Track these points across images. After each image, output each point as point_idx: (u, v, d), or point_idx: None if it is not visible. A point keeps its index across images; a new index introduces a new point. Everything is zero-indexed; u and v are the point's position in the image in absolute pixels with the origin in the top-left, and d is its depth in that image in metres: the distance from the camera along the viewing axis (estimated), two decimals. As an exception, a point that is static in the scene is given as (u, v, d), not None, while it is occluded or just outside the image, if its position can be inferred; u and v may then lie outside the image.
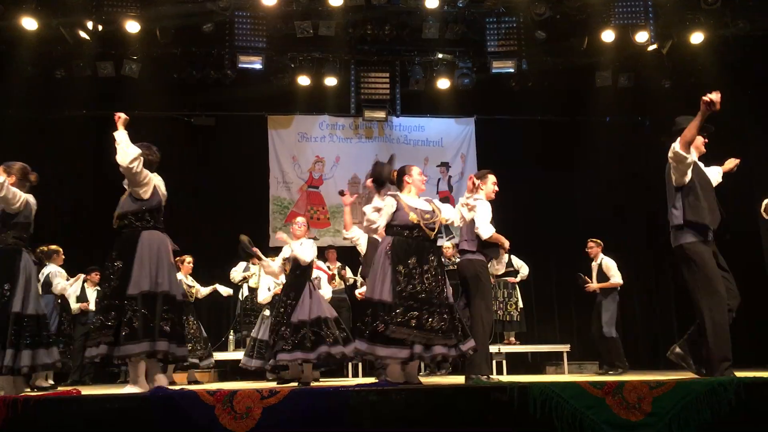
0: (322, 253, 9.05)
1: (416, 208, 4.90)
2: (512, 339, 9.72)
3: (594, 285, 8.44)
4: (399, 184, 5.11)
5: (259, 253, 6.73)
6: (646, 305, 11.15)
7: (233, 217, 10.42)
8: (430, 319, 4.58)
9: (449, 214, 5.09)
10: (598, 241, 8.72)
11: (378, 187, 5.03)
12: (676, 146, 4.70)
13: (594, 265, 8.61)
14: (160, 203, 4.93)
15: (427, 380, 5.94)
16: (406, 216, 4.83)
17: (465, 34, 10.02)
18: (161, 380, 4.60)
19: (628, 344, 10.56)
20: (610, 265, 8.44)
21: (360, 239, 6.63)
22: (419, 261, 4.73)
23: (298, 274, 6.44)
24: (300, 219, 6.82)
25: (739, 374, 4.13)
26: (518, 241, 10.08)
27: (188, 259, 8.53)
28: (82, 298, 9.10)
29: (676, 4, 9.36)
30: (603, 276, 8.45)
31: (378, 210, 4.90)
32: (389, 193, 4.99)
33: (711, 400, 3.62)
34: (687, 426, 3.59)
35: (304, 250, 6.42)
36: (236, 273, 9.50)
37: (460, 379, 6.42)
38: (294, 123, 11.47)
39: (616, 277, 8.38)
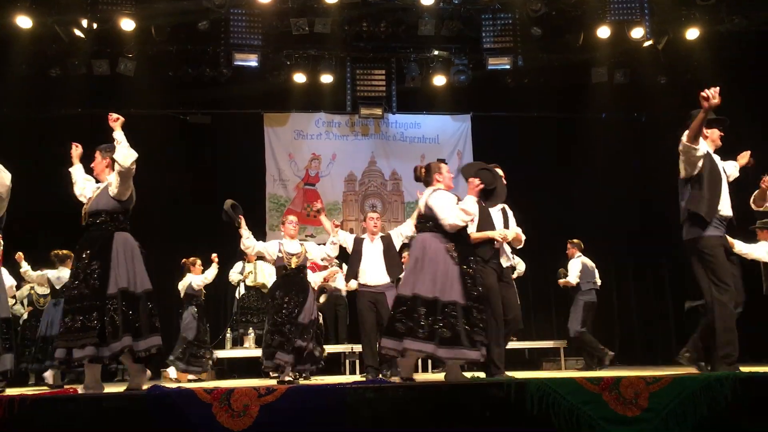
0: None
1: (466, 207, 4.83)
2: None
3: (562, 281, 8.77)
4: (429, 182, 5.00)
5: (243, 222, 6.58)
6: (643, 300, 11.16)
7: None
8: (485, 320, 4.61)
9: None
10: (576, 241, 8.93)
11: (486, 197, 5.04)
12: (684, 138, 4.71)
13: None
14: (132, 206, 4.96)
15: (424, 377, 5.96)
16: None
17: (461, 31, 10.01)
18: (143, 377, 4.60)
19: (623, 340, 10.63)
20: (570, 266, 8.72)
21: (347, 240, 6.84)
22: (477, 261, 4.77)
23: (303, 274, 6.52)
24: (292, 218, 6.87)
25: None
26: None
27: (198, 261, 8.51)
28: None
29: (672, 0, 9.37)
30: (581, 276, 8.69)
31: (469, 213, 4.72)
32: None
33: (707, 395, 3.64)
34: (683, 421, 3.60)
35: (323, 251, 6.68)
36: (234, 274, 9.49)
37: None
38: (290, 120, 11.46)
39: (569, 277, 8.69)
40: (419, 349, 4.47)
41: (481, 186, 4.80)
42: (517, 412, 3.62)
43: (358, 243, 6.81)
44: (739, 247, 6.70)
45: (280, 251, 6.53)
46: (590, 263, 8.79)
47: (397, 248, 6.80)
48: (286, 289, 6.40)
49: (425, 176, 5.03)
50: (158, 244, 8.83)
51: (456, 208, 4.66)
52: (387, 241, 6.77)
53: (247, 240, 6.54)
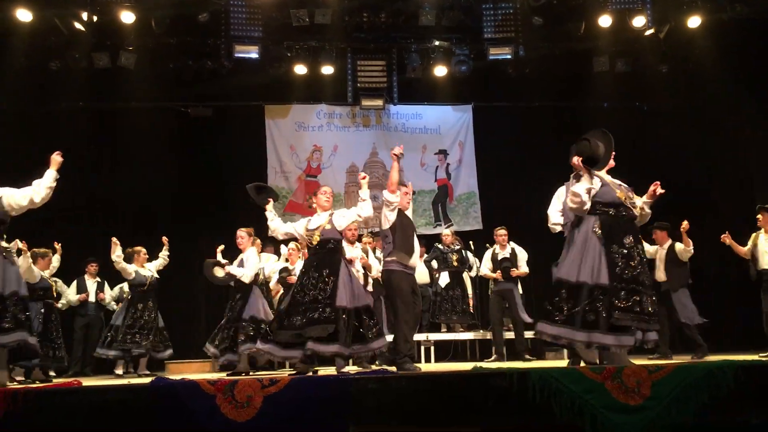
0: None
1: (620, 185, 4.68)
2: (512, 325, 9.73)
3: (518, 271, 8.56)
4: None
5: (270, 204, 6.09)
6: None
7: (231, 208, 10.40)
8: (646, 303, 4.32)
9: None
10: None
11: (592, 165, 4.63)
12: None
13: (500, 252, 8.70)
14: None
15: (427, 367, 5.93)
16: (612, 193, 4.60)
17: (462, 21, 9.97)
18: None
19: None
20: (520, 254, 8.64)
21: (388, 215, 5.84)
22: (635, 240, 4.48)
23: (329, 249, 5.56)
24: (327, 188, 5.93)
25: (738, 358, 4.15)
26: (517, 229, 10.13)
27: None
28: (81, 288, 9.12)
29: (673, -12, 9.35)
30: (517, 264, 8.62)
31: (590, 191, 4.55)
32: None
33: (709, 383, 3.65)
34: (686, 409, 3.62)
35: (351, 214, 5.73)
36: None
37: (458, 366, 6.44)
38: (291, 112, 11.44)
39: (525, 266, 8.62)
40: (566, 337, 4.30)
41: (581, 159, 4.60)
42: (519, 402, 3.63)
43: (403, 215, 5.88)
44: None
45: (304, 230, 5.68)
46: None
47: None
48: (315, 267, 5.47)
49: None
50: (159, 236, 8.83)
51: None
52: None
53: (272, 222, 5.88)
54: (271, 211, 5.95)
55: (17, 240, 7.14)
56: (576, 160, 4.66)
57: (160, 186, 10.48)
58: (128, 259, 8.26)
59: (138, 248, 8.50)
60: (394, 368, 5.41)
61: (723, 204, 9.92)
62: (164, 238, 8.63)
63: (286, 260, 8.09)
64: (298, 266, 7.99)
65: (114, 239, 8.01)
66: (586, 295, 4.29)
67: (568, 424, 3.59)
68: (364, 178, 5.69)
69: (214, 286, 8.41)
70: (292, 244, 8.20)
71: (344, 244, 6.75)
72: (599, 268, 4.33)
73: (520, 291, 8.88)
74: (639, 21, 9.39)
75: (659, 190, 4.80)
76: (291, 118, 11.43)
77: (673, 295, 7.53)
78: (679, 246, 7.54)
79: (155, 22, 9.43)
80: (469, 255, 9.37)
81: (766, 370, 3.72)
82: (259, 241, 8.11)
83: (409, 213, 6.02)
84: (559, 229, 5.36)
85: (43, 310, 7.63)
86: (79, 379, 6.66)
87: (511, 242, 9.53)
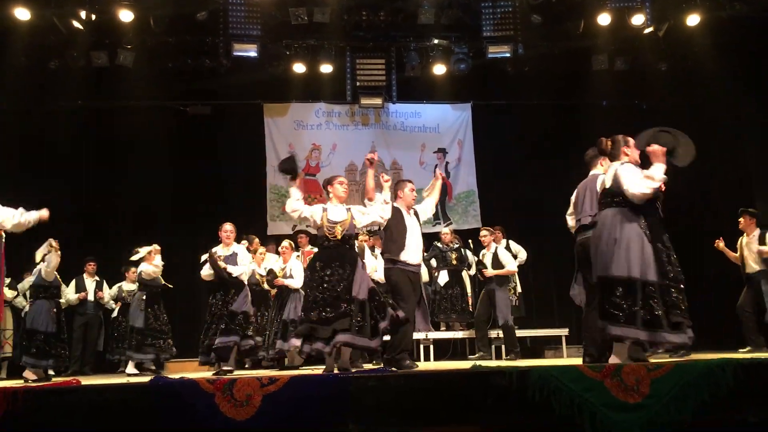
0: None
1: None
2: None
3: (490, 272, 8.41)
4: (616, 155, 4.72)
5: (297, 181, 5.73)
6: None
7: (231, 206, 10.40)
8: (685, 301, 4.30)
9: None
10: (491, 229, 8.83)
11: (669, 156, 4.54)
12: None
13: (486, 253, 8.61)
14: None
15: (426, 366, 5.93)
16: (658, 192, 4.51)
17: (460, 19, 9.97)
18: None
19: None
20: (501, 255, 8.51)
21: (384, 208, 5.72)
22: (669, 239, 4.46)
23: (350, 245, 5.42)
24: (342, 178, 5.68)
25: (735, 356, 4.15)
26: (516, 226, 10.14)
27: (261, 249, 8.53)
28: (80, 288, 9.13)
29: (672, -15, 9.34)
30: (498, 264, 8.47)
31: (656, 179, 4.41)
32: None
33: (709, 381, 3.64)
34: (685, 407, 3.61)
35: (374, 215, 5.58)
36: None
37: (458, 365, 6.44)
38: (290, 111, 11.43)
39: (509, 266, 8.44)
40: (631, 337, 4.22)
41: (664, 150, 4.51)
42: (519, 400, 3.63)
43: (399, 213, 5.87)
44: None
45: (322, 219, 5.36)
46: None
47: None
48: (328, 260, 5.27)
49: (612, 149, 4.76)
50: (159, 235, 8.84)
51: (642, 177, 4.40)
52: (417, 216, 6.10)
53: (296, 201, 5.42)
54: (297, 190, 5.48)
55: (51, 239, 7.25)
56: (656, 148, 4.51)
57: (159, 184, 10.48)
58: (141, 258, 8.32)
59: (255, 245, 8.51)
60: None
61: (722, 203, 9.92)
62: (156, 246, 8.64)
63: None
64: (292, 264, 7.98)
65: (155, 246, 8.08)
66: (640, 292, 4.24)
67: (567, 423, 3.59)
68: (387, 181, 5.61)
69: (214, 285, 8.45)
70: (285, 242, 8.20)
71: None
72: (648, 265, 4.28)
73: (511, 291, 8.88)
74: (638, 19, 9.38)
75: (662, 187, 4.80)
76: (290, 117, 11.42)
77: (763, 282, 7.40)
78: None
79: (154, 20, 9.42)
80: (468, 253, 9.38)
81: (766, 368, 3.72)
82: (257, 239, 8.13)
83: (427, 208, 6.14)
84: (589, 221, 5.19)
85: (55, 309, 7.63)
86: (78, 378, 6.67)
87: (510, 240, 9.56)
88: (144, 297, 8.36)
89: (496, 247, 8.65)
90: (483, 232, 8.78)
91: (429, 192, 6.42)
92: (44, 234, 8.53)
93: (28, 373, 7.15)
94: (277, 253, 8.58)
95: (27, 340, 7.27)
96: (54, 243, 7.25)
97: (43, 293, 7.42)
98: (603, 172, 4.99)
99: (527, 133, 11.23)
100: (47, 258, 7.36)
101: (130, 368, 8.30)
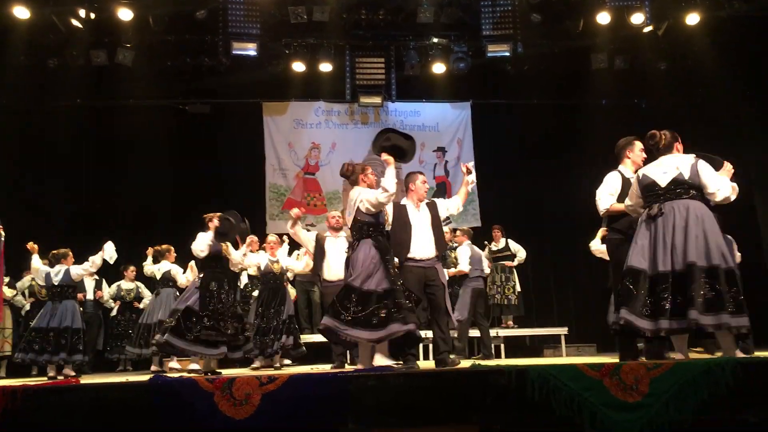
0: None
1: None
2: (510, 322, 9.75)
3: (452, 271, 8.33)
4: (669, 149, 4.80)
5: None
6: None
7: (230, 205, 10.36)
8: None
9: None
10: (465, 229, 8.76)
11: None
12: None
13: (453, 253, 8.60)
14: None
15: (427, 365, 5.92)
16: None
17: (460, 18, 9.97)
18: None
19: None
20: (460, 254, 8.38)
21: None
22: None
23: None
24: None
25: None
26: (515, 225, 10.14)
27: (272, 237, 8.28)
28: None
29: (672, -16, 9.34)
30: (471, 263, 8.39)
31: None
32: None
33: (708, 380, 3.64)
34: (684, 406, 3.61)
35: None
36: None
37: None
38: (289, 109, 11.43)
39: (462, 265, 8.29)
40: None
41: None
42: (518, 399, 3.63)
43: (402, 210, 5.74)
44: None
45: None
46: (478, 251, 8.60)
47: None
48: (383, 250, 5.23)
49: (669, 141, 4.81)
50: (158, 234, 8.84)
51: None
52: (434, 209, 5.82)
53: (390, 180, 5.21)
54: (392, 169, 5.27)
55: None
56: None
57: (159, 183, 10.48)
58: (160, 257, 8.30)
59: (167, 246, 8.49)
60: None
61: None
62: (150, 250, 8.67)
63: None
64: (280, 257, 7.89)
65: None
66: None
67: (566, 422, 3.59)
68: (387, 161, 5.34)
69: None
70: (273, 236, 8.13)
71: (327, 232, 6.98)
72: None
73: (510, 290, 8.88)
74: (638, 18, 9.38)
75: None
76: (289, 116, 11.42)
77: None
78: None
79: (153, 19, 9.42)
80: (511, 243, 9.47)
81: (766, 368, 3.72)
82: (256, 238, 8.09)
83: (452, 205, 5.98)
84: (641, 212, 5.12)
85: (81, 309, 7.70)
86: (78, 376, 6.67)
87: (509, 239, 9.58)
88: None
89: (458, 247, 8.51)
90: (457, 232, 8.69)
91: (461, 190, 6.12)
92: (45, 234, 8.56)
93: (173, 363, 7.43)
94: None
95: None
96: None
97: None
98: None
99: (527, 132, 11.24)
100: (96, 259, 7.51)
101: (174, 363, 8.09)
